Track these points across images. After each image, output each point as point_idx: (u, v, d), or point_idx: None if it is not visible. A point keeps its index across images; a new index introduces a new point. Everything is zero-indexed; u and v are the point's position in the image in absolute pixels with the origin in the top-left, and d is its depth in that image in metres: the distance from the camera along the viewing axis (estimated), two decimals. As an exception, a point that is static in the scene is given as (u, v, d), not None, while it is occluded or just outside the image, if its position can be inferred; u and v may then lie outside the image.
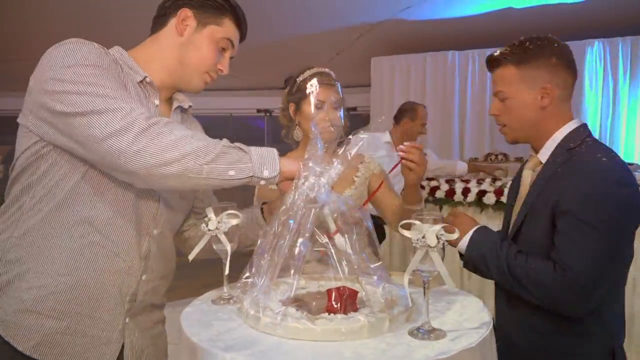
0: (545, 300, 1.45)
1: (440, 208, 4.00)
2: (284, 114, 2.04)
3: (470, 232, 1.57)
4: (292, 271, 1.28)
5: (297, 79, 1.98)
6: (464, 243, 1.57)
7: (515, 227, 1.60)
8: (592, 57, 5.75)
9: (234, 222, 1.44)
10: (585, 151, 1.50)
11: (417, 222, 1.16)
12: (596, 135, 1.61)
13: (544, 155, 1.59)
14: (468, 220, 1.61)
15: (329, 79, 1.91)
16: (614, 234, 1.40)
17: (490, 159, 5.63)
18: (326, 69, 1.99)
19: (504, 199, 3.67)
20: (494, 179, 3.92)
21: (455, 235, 1.16)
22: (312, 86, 1.48)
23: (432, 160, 4.39)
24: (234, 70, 1.57)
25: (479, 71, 6.30)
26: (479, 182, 3.95)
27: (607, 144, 1.79)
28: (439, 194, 3.99)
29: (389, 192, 2.00)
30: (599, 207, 1.39)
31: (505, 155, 5.60)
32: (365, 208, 1.76)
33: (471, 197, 3.83)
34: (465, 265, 1.61)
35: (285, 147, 1.96)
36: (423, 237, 1.14)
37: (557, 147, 1.56)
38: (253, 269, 1.34)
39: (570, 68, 1.59)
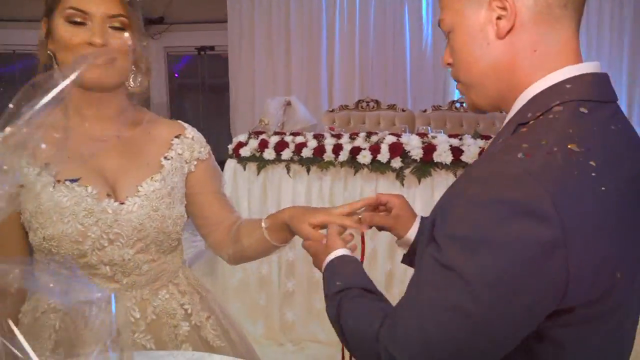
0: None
1: (308, 169, 3.35)
2: (40, 41, 1.15)
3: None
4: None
5: None
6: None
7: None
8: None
9: None
10: (526, 134, 0.76)
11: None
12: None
13: None
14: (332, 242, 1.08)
15: None
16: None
17: (362, 107, 5.10)
18: None
19: (381, 157, 3.10)
20: (369, 133, 3.33)
21: None
22: None
23: (300, 114, 3.73)
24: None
25: (347, 5, 5.76)
26: (352, 136, 3.33)
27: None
28: (306, 152, 3.31)
29: (220, 198, 1.29)
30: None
31: (377, 102, 5.10)
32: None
33: (344, 155, 3.21)
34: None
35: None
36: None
37: (516, 115, 0.81)
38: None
39: None
